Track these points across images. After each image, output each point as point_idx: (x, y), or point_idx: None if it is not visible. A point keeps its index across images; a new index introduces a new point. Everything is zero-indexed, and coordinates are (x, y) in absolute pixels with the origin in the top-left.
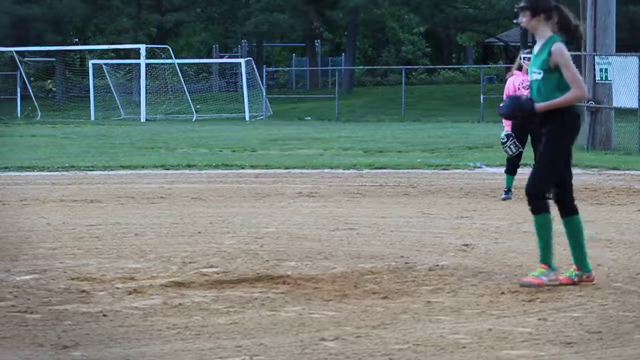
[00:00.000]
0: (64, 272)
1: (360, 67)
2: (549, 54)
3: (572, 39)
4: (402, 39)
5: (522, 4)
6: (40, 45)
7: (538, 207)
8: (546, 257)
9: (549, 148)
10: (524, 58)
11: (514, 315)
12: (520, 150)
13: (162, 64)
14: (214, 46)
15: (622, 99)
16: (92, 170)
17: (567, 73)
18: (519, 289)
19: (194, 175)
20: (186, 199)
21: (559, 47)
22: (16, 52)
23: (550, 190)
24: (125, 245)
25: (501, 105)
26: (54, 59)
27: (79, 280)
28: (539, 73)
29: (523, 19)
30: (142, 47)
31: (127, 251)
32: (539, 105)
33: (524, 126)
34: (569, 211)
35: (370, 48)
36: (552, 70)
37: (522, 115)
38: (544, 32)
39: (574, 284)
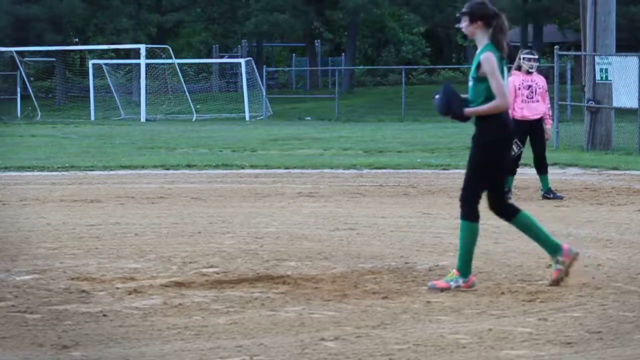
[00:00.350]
0: (64, 272)
1: (360, 67)
2: (479, 62)
3: (500, 53)
4: (402, 39)
5: (463, 9)
6: (40, 45)
7: (466, 213)
8: (462, 264)
9: (477, 155)
10: (523, 58)
11: (514, 315)
12: (521, 150)
13: (162, 64)
14: (214, 46)
15: (622, 99)
16: (92, 170)
17: (492, 82)
18: (519, 289)
19: (194, 175)
20: (186, 199)
21: (487, 56)
22: (16, 52)
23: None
24: (125, 245)
25: (436, 97)
26: (54, 59)
27: (79, 280)
28: (471, 80)
29: (463, 24)
30: (142, 47)
31: (127, 251)
32: (468, 110)
33: (523, 126)
34: (507, 214)
35: (370, 48)
36: (480, 79)
37: (451, 115)
38: (481, 39)
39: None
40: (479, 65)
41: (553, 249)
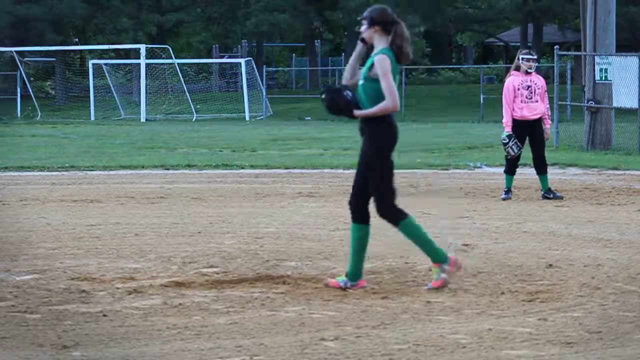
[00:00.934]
0: (64, 272)
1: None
2: (372, 63)
3: (398, 60)
4: None
5: (363, 14)
6: (40, 45)
7: (397, 218)
8: (435, 254)
9: (371, 159)
10: (522, 58)
11: (514, 315)
12: (520, 150)
13: (162, 64)
14: (214, 46)
15: (622, 99)
16: (92, 170)
17: (383, 83)
18: (519, 288)
19: (194, 175)
20: (186, 199)
21: (381, 57)
22: (16, 52)
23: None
24: (125, 245)
25: (323, 97)
26: (54, 59)
27: (79, 280)
28: (361, 79)
29: (362, 28)
30: (142, 47)
31: (127, 251)
32: (357, 112)
33: (523, 127)
34: (362, 219)
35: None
36: (372, 80)
37: (340, 114)
38: (379, 43)
39: (342, 289)
40: (371, 66)
41: (359, 273)
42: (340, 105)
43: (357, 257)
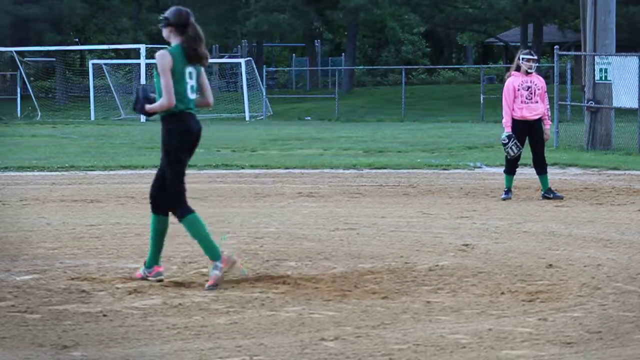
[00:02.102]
0: (64, 272)
1: (360, 67)
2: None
3: (191, 59)
4: (402, 39)
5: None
6: (40, 45)
7: (181, 213)
8: (212, 252)
9: (163, 156)
10: (522, 59)
11: (514, 315)
12: (520, 150)
13: None
14: (214, 46)
15: (622, 99)
16: (92, 170)
17: (161, 80)
18: (519, 288)
19: (194, 175)
20: None
21: (161, 53)
22: (16, 52)
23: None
24: (125, 245)
25: (133, 101)
26: (54, 59)
27: (79, 280)
28: (154, 76)
29: (162, 28)
30: (142, 47)
31: (127, 251)
32: (149, 107)
33: (523, 127)
34: (163, 211)
35: (370, 48)
36: (158, 76)
37: (140, 110)
38: (174, 43)
39: (143, 278)
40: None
41: (156, 260)
42: (138, 99)
43: (155, 247)
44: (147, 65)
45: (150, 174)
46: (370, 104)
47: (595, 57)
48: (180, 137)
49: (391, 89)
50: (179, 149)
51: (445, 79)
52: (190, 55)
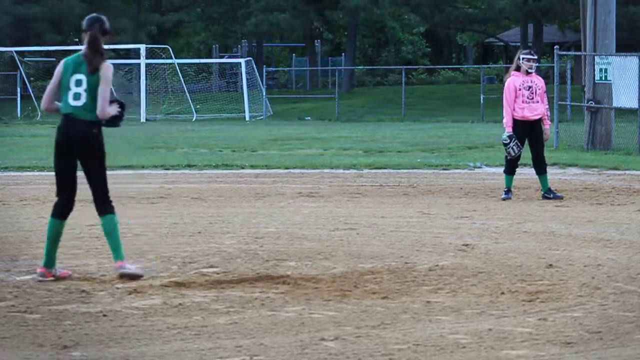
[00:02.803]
0: None
1: (360, 67)
2: None
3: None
4: (402, 39)
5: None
6: (40, 45)
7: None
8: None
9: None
10: (522, 59)
11: (514, 315)
12: (520, 150)
13: (162, 64)
14: (214, 46)
15: (622, 99)
16: None
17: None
18: (519, 288)
19: (194, 175)
20: (186, 199)
21: (62, 62)
22: (16, 52)
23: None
24: (125, 245)
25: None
26: (54, 59)
27: (79, 280)
28: None
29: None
30: (142, 47)
31: (127, 251)
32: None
33: (523, 127)
34: (103, 210)
35: (370, 48)
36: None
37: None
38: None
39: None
40: None
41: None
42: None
43: (52, 248)
44: (147, 65)
45: (150, 174)
46: (370, 104)
47: (595, 57)
48: (56, 139)
49: (391, 89)
50: (55, 150)
51: (445, 79)
52: (87, 61)
